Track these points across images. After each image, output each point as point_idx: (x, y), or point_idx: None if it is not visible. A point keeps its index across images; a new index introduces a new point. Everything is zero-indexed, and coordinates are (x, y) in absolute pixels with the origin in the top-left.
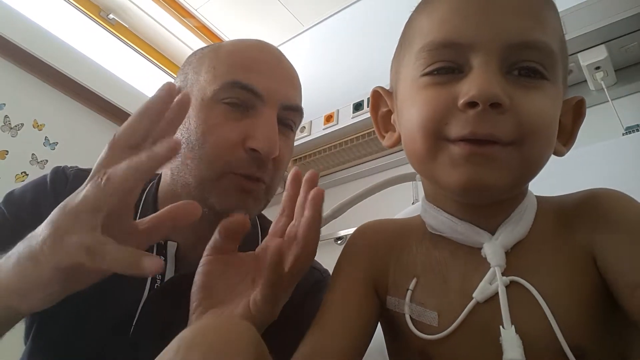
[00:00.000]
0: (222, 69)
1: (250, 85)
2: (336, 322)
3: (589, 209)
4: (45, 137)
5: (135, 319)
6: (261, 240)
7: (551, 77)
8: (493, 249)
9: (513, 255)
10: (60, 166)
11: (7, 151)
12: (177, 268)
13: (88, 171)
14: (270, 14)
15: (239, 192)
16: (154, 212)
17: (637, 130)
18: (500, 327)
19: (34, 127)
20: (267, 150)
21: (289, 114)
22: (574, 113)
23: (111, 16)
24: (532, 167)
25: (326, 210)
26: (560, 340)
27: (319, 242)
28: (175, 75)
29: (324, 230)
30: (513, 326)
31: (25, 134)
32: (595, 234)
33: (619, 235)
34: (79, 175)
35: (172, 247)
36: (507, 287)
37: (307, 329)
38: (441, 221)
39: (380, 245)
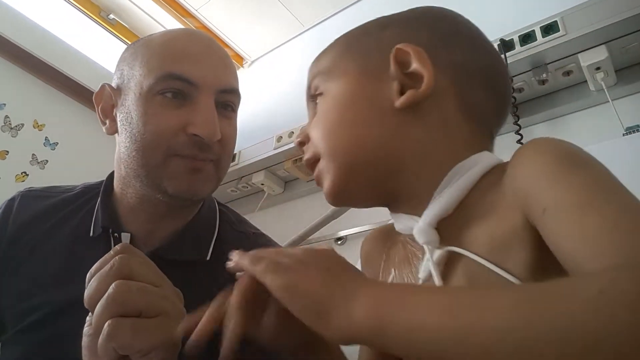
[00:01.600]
0: (155, 62)
1: (183, 75)
2: None
3: (515, 159)
4: (46, 137)
5: None
6: (218, 227)
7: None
8: (417, 229)
9: (458, 225)
10: (13, 196)
11: (7, 151)
12: None
13: (38, 191)
14: (270, 14)
15: (189, 173)
16: (110, 207)
17: (638, 130)
18: None
19: (34, 127)
20: (208, 134)
21: (226, 97)
22: (400, 64)
23: (111, 16)
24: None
25: (326, 210)
26: (507, 277)
27: (320, 243)
28: None
29: (324, 231)
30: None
31: (26, 134)
32: (529, 197)
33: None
34: (26, 196)
35: (125, 237)
36: (451, 260)
37: None
38: (393, 219)
39: (373, 252)
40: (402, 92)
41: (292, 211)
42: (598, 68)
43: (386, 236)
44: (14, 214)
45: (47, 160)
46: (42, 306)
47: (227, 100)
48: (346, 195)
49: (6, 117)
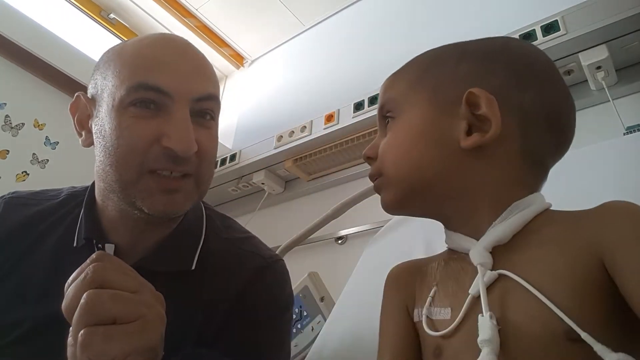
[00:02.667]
0: (127, 72)
1: (155, 85)
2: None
3: (600, 213)
4: (46, 136)
5: None
6: (205, 236)
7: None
8: (473, 251)
9: (511, 253)
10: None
11: (7, 151)
12: None
13: (22, 198)
14: (270, 13)
15: (164, 193)
16: (93, 218)
17: (638, 130)
18: (479, 315)
19: (34, 126)
20: (182, 149)
21: (203, 105)
22: (471, 105)
23: (112, 16)
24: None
25: (326, 210)
26: (559, 314)
27: (320, 242)
28: None
29: (324, 230)
30: (488, 312)
31: (26, 134)
32: (604, 236)
33: (630, 243)
34: (9, 204)
35: (110, 249)
36: (497, 280)
37: (252, 317)
38: (448, 236)
39: (406, 277)
40: (469, 132)
41: (292, 211)
42: (599, 67)
43: (418, 266)
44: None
45: (47, 160)
46: (29, 319)
47: (205, 109)
48: (401, 211)
49: (6, 116)
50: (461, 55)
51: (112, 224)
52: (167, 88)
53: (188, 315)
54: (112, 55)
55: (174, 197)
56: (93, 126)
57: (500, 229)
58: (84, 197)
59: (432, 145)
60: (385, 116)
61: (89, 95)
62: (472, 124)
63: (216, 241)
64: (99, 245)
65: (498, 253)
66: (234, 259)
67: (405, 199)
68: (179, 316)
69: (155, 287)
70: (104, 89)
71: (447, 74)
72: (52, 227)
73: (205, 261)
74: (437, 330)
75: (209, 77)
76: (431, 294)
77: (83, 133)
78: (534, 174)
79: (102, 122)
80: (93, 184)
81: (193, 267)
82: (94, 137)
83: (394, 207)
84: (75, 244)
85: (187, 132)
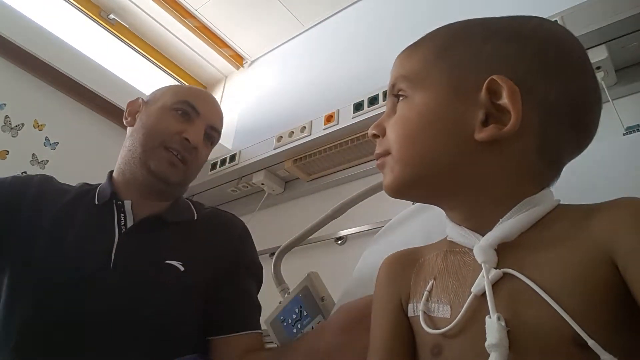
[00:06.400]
0: (178, 94)
1: (194, 105)
2: (378, 352)
3: (613, 212)
4: (46, 137)
5: (113, 253)
6: (196, 213)
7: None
8: (477, 247)
9: (518, 251)
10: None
11: (7, 151)
12: (134, 217)
13: (49, 177)
14: (270, 14)
15: (169, 164)
16: (111, 189)
17: (638, 130)
18: (487, 316)
19: (34, 127)
20: (193, 140)
21: (212, 132)
22: (492, 93)
23: (111, 16)
24: (417, 162)
25: (326, 210)
26: (568, 321)
27: (320, 242)
28: (174, 75)
29: (324, 231)
30: (496, 314)
31: (26, 134)
32: (617, 236)
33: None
34: (44, 176)
35: (128, 204)
36: (501, 279)
37: (250, 269)
38: (451, 228)
39: (401, 267)
40: (486, 122)
41: (292, 211)
42: (598, 67)
43: (411, 255)
44: (36, 180)
45: (47, 160)
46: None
47: (211, 135)
48: (404, 195)
49: (6, 117)
50: (489, 33)
51: (126, 187)
52: (199, 109)
53: (199, 250)
54: (167, 89)
55: (173, 169)
56: (138, 117)
57: (507, 226)
58: (96, 185)
59: (444, 133)
60: (396, 95)
61: (146, 100)
62: (490, 113)
63: (202, 210)
64: (119, 202)
65: (504, 250)
66: (222, 218)
67: (407, 184)
68: (194, 252)
69: (175, 233)
70: (160, 99)
71: (470, 54)
72: (78, 199)
73: (201, 218)
74: (436, 328)
75: (222, 121)
76: (428, 288)
77: (129, 118)
78: (549, 171)
79: (148, 115)
80: (109, 173)
81: (195, 218)
82: (137, 123)
83: (395, 190)
84: (96, 202)
85: (200, 134)
